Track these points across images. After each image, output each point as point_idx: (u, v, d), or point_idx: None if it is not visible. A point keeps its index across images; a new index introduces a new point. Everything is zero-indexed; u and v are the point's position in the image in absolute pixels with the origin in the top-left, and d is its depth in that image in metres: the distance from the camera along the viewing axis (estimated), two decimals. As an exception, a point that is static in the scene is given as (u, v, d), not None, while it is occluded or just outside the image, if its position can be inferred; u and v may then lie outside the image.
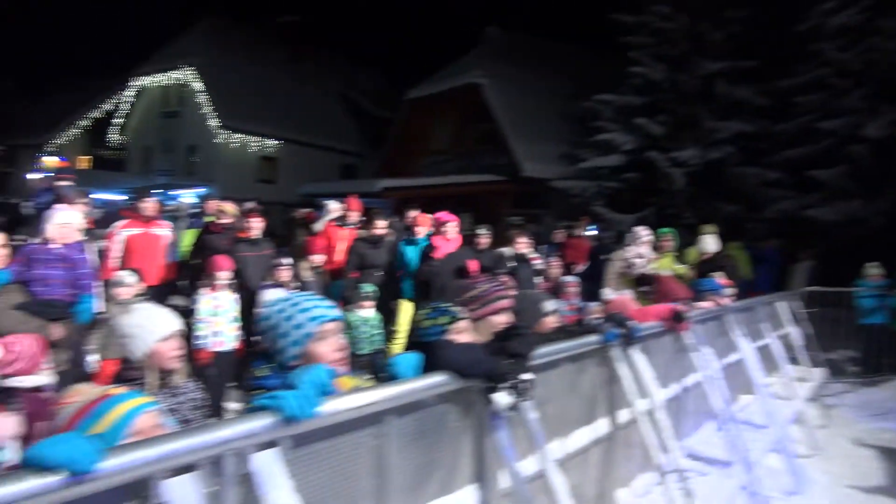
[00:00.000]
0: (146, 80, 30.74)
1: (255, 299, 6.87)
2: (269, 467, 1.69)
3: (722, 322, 5.93)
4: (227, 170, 27.12)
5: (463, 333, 2.75)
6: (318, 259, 7.58)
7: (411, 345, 2.51)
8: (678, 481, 3.71)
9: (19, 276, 4.27)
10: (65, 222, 4.46)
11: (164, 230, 7.51)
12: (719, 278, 7.22)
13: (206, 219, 9.09)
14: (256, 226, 7.48)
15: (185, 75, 28.53)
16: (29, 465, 1.28)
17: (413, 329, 2.72)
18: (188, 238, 8.76)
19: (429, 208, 11.09)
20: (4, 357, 2.99)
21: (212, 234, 7.94)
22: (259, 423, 1.68)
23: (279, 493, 1.68)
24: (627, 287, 7.69)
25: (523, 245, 7.70)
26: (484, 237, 9.12)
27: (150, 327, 2.81)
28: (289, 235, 13.37)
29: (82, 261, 4.52)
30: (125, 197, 18.50)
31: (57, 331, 4.21)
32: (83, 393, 1.76)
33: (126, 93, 31.67)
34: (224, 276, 6.44)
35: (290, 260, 7.06)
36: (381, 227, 7.80)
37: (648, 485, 4.27)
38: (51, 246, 4.40)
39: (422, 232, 8.15)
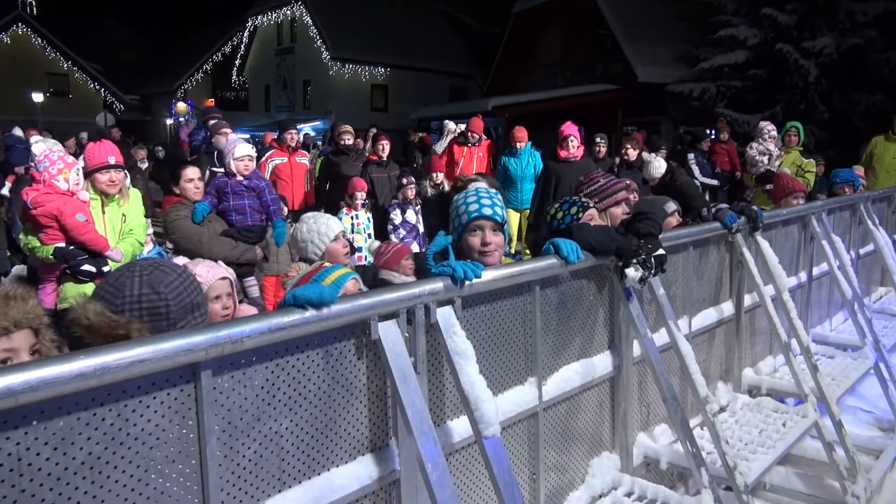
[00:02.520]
0: (260, 20, 31.83)
1: (385, 217, 7.46)
2: (448, 319, 2.13)
3: (857, 212, 5.82)
4: (341, 101, 27.98)
5: (593, 220, 3.07)
6: (440, 177, 7.99)
7: (549, 235, 2.83)
8: (804, 363, 3.88)
9: (215, 207, 4.78)
10: (243, 154, 4.79)
11: (304, 159, 8.19)
12: (857, 169, 6.96)
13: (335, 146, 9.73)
14: (385, 148, 7.97)
15: (296, 11, 29.28)
16: (287, 305, 1.77)
17: (549, 221, 3.02)
18: (320, 165, 9.45)
19: (541, 123, 11.20)
20: None
21: (341, 157, 8.54)
22: (439, 284, 2.11)
23: (457, 338, 2.12)
24: (751, 185, 7.60)
25: (636, 152, 7.75)
26: (602, 145, 9.21)
27: (321, 231, 3.34)
28: (406, 157, 13.95)
29: (267, 188, 4.92)
30: (248, 135, 19.63)
31: (259, 252, 4.88)
32: (300, 268, 2.27)
33: (242, 34, 33.02)
34: (360, 196, 7.04)
35: (413, 179, 7.52)
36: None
37: (775, 365, 4.47)
38: (238, 178, 4.80)
39: (521, 145, 8.42)
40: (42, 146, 5.88)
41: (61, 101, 30.84)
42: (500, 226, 2.47)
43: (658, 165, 6.73)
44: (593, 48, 20.90)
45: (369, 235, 7.18)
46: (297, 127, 8.99)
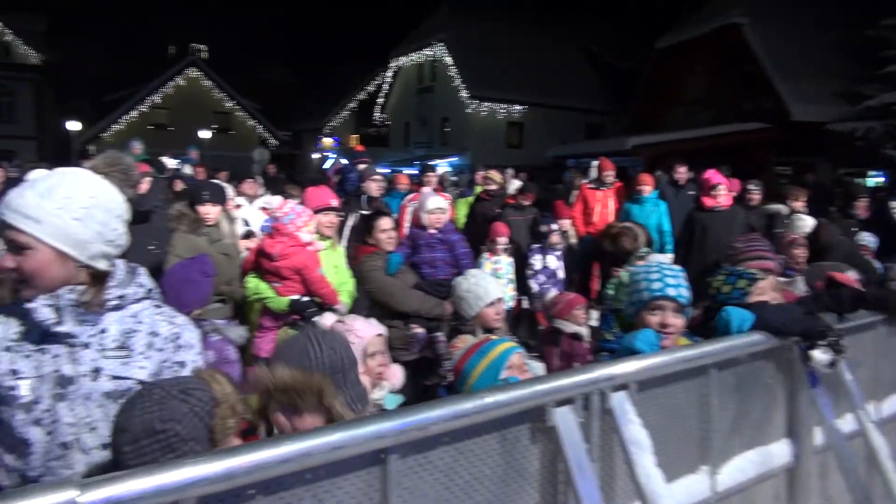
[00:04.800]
0: (402, 61, 33.32)
1: (524, 262, 7.42)
2: (623, 405, 2.05)
3: None
4: (477, 138, 28.51)
5: (765, 294, 2.86)
6: (567, 223, 7.85)
7: (713, 309, 2.67)
8: None
9: (407, 258, 4.82)
10: (435, 207, 4.83)
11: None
12: None
13: (476, 188, 9.87)
14: (525, 200, 7.96)
15: (437, 51, 30.37)
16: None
17: (713, 295, 2.85)
18: (461, 207, 9.61)
19: (682, 164, 10.75)
20: None
21: (483, 201, 8.64)
22: (616, 369, 2.04)
23: (632, 426, 2.03)
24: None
25: (800, 201, 7.14)
26: (755, 193, 8.65)
27: (479, 293, 3.35)
28: (547, 200, 13.90)
29: (459, 241, 4.91)
30: (388, 170, 20.41)
31: (449, 308, 4.83)
32: (466, 340, 2.29)
33: (385, 74, 34.70)
34: (502, 240, 7.06)
35: (556, 224, 7.43)
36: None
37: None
38: (430, 230, 4.84)
39: (647, 191, 8.03)
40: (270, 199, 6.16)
41: (224, 137, 33.79)
42: (682, 308, 2.36)
43: (802, 223, 6.11)
44: (741, 84, 19.93)
45: (510, 281, 7.18)
46: (436, 168, 9.24)
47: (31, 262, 1.63)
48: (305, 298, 4.10)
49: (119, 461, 1.42)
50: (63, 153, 29.33)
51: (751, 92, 19.35)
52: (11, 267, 1.64)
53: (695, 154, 15.75)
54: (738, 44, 19.31)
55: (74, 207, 1.64)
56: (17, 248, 1.63)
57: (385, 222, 4.66)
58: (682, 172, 9.21)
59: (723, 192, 6.87)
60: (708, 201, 6.92)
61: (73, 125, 30.75)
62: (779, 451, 2.74)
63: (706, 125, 19.53)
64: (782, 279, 3.79)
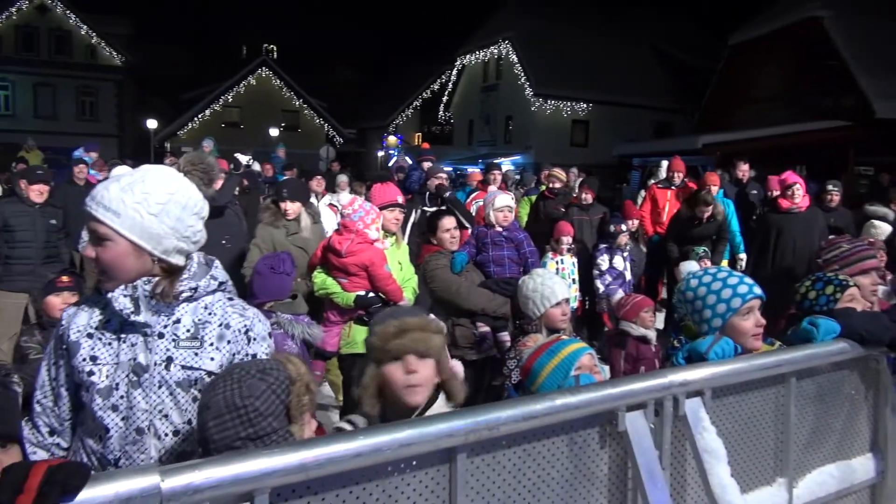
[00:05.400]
0: (468, 59, 33.33)
1: (589, 261, 7.29)
2: (697, 412, 1.99)
3: None
4: (541, 136, 28.27)
5: (855, 301, 2.72)
6: (634, 224, 7.64)
7: (800, 315, 2.56)
8: None
9: (473, 257, 4.82)
10: (502, 205, 4.82)
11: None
12: None
13: (541, 187, 9.77)
14: (588, 197, 7.82)
15: (502, 49, 30.24)
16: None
17: (799, 301, 2.73)
18: (524, 206, 9.53)
19: (756, 163, 10.35)
20: None
21: (547, 200, 8.54)
22: (690, 374, 1.98)
23: (707, 435, 1.97)
24: None
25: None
26: (835, 194, 8.26)
27: (545, 293, 3.31)
28: (611, 198, 13.66)
29: (526, 239, 4.86)
30: (450, 168, 20.47)
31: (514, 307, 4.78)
32: (536, 339, 2.27)
33: (450, 72, 34.81)
34: (566, 240, 6.97)
35: (625, 224, 7.27)
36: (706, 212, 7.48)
37: None
38: (497, 228, 4.82)
39: (713, 190, 7.74)
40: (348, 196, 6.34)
41: (292, 134, 34.63)
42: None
43: (880, 230, 5.72)
44: (821, 80, 19.05)
45: (573, 281, 7.08)
46: (500, 166, 9.18)
47: (109, 252, 1.70)
48: (371, 294, 4.15)
49: (204, 437, 1.50)
50: (142, 150, 30.72)
51: (831, 88, 18.49)
52: (92, 256, 1.73)
53: (769, 153, 15.21)
54: (818, 38, 18.47)
55: (152, 203, 1.69)
56: (97, 238, 1.70)
57: (447, 222, 4.65)
58: (744, 170, 8.85)
59: (800, 193, 6.58)
60: (784, 203, 6.64)
61: (151, 123, 32.14)
62: (862, 467, 2.60)
63: (781, 123, 18.75)
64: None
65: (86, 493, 1.19)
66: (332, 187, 9.74)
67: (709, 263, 6.65)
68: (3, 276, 5.83)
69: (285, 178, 8.89)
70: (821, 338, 2.28)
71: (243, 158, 10.47)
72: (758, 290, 2.25)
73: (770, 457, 2.34)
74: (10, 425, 1.74)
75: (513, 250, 4.83)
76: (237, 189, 6.99)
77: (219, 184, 6.87)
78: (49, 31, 34.34)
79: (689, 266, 2.52)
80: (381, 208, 4.30)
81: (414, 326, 1.85)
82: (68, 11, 34.27)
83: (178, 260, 1.78)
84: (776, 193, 7.10)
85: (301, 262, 4.92)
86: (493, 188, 6.97)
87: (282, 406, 1.55)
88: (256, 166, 12.00)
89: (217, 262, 1.89)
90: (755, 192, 9.19)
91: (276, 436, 1.51)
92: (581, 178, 9.90)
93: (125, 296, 1.71)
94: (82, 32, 34.73)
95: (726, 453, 1.97)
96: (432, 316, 2.10)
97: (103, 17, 35.57)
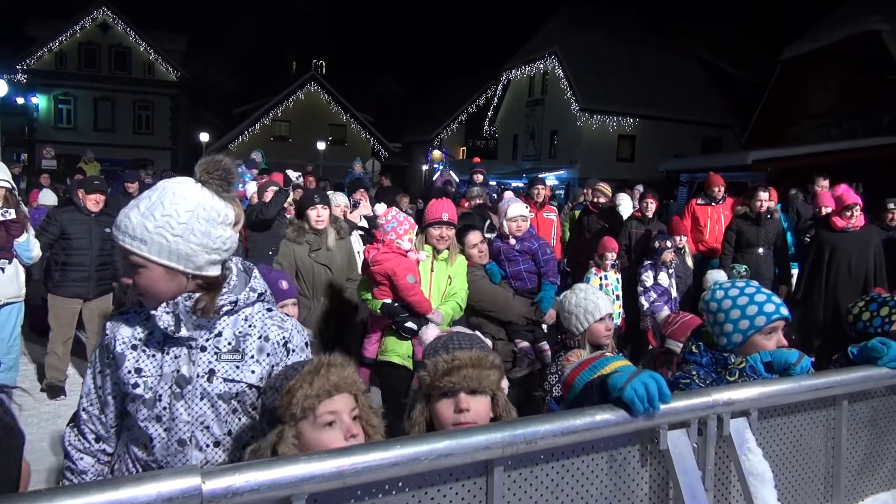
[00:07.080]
0: (513, 73, 33.38)
1: (634, 278, 7.17)
2: (742, 433, 1.93)
3: None
4: (586, 151, 28.07)
5: (912, 323, 2.62)
6: (682, 240, 7.49)
7: (853, 337, 2.47)
8: None
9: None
10: (516, 215, 4.76)
11: (552, 214, 8.28)
12: None
13: (585, 201, 9.68)
14: (650, 206, 7.69)
15: (548, 64, 30.19)
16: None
17: (852, 322, 2.65)
18: (569, 220, 9.46)
19: (809, 181, 10.04)
20: None
21: (591, 214, 8.46)
22: (735, 393, 1.93)
23: (752, 457, 1.91)
24: None
25: None
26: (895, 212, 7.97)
27: (589, 307, 3.27)
28: (661, 214, 13.41)
29: (542, 247, 4.78)
30: (495, 183, 20.43)
31: (552, 315, 4.67)
32: (579, 354, 2.24)
33: (496, 87, 34.90)
34: (611, 256, 6.88)
35: (670, 241, 7.12)
36: (763, 200, 7.26)
37: None
38: (511, 241, 4.76)
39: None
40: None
41: (339, 148, 35.18)
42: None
43: None
44: (878, 95, 18.45)
45: (617, 297, 6.98)
46: (545, 181, 9.13)
47: (144, 279, 1.73)
48: (397, 304, 4.15)
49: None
50: (194, 162, 31.50)
51: (890, 103, 17.88)
52: (129, 283, 1.76)
53: (824, 170, 14.72)
54: (876, 52, 17.94)
55: (174, 224, 1.69)
56: (130, 266, 1.73)
57: (474, 237, 4.69)
58: (823, 186, 8.58)
59: (857, 213, 6.37)
60: (839, 221, 6.44)
61: (204, 136, 33.09)
62: (919, 496, 2.49)
63: (836, 139, 18.22)
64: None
65: (129, 492, 1.22)
66: (386, 200, 9.78)
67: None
68: (59, 281, 6.05)
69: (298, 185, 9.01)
70: (890, 357, 2.19)
71: (293, 175, 10.69)
72: (784, 311, 2.19)
73: (820, 482, 2.26)
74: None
75: (529, 262, 4.77)
76: (288, 202, 7.10)
77: (269, 196, 7.02)
78: (110, 48, 35.72)
79: (717, 275, 2.46)
80: (428, 225, 4.30)
81: (467, 362, 1.79)
82: (128, 29, 35.58)
83: (213, 272, 1.79)
84: (827, 210, 6.87)
85: (323, 280, 5.02)
86: (508, 195, 6.86)
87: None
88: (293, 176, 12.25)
89: (256, 271, 1.91)
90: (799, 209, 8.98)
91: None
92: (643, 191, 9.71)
93: (167, 313, 1.73)
94: (141, 49, 36.03)
95: (773, 476, 1.90)
96: (488, 342, 2.05)
97: (160, 33, 36.86)
